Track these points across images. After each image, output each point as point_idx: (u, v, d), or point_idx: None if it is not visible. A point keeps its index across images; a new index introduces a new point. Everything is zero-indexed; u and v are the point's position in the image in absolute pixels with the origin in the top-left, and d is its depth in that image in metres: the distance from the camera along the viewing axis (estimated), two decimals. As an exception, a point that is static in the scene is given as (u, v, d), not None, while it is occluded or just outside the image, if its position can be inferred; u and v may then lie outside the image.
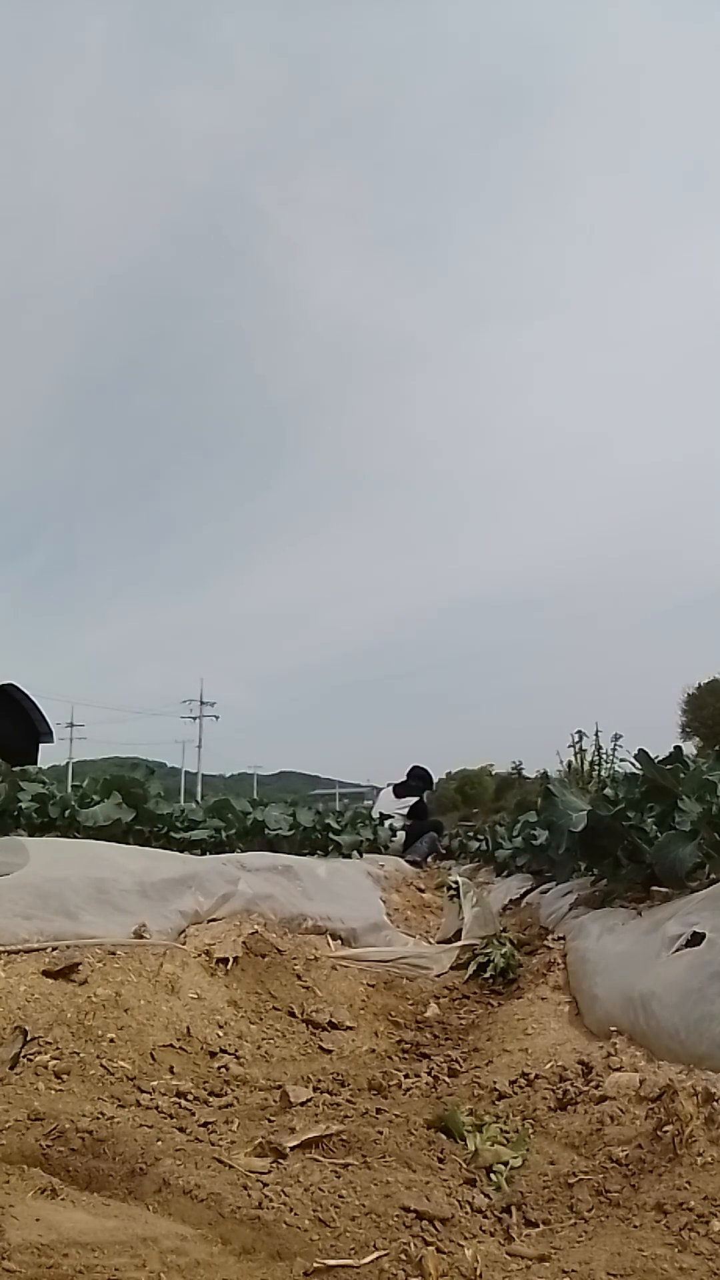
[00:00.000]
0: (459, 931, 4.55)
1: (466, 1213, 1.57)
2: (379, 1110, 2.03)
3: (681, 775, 3.57)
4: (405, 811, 10.81)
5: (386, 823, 10.60)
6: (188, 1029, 2.62)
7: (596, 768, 9.33)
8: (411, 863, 9.64)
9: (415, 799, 10.98)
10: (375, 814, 10.68)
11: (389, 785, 11.40)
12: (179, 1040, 2.55)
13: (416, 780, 11.25)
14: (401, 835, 10.61)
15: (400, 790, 11.14)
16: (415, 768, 11.66)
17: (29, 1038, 2.23)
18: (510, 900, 6.30)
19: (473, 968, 3.96)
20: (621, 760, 8.10)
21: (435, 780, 12.65)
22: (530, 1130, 1.98)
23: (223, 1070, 2.44)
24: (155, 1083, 2.20)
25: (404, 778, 11.44)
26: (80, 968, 2.62)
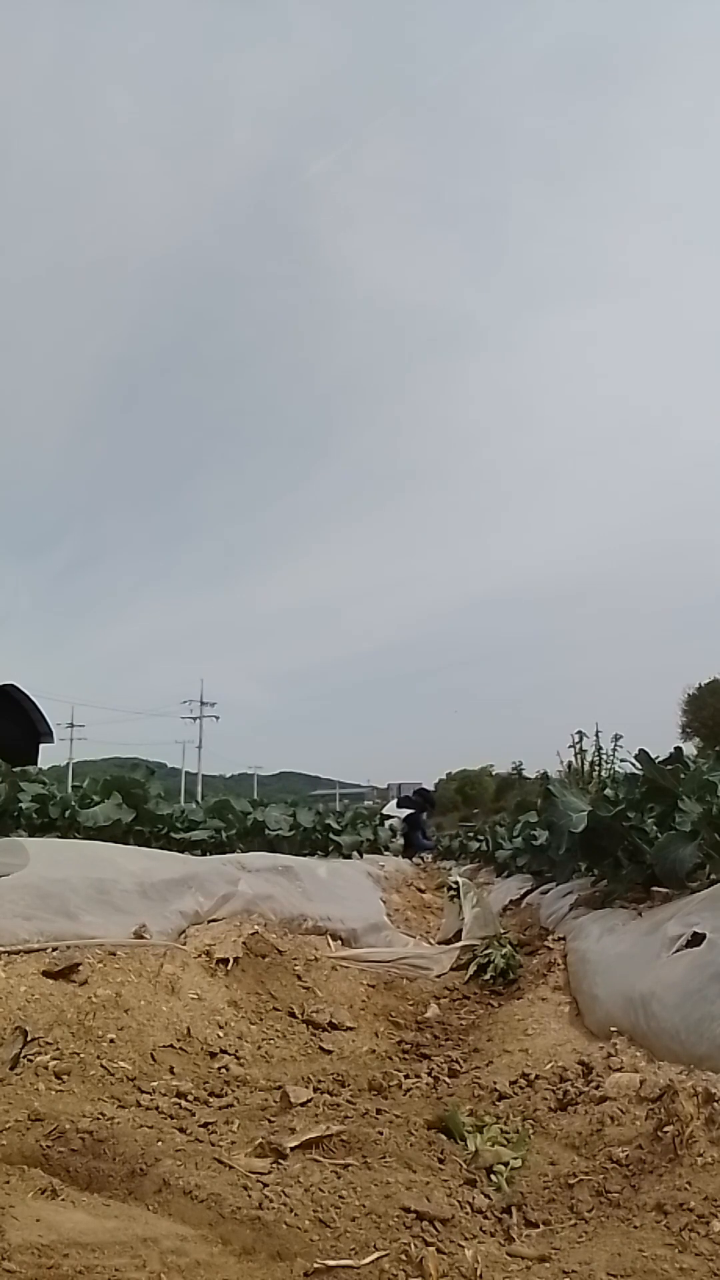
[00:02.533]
0: (459, 932, 4.55)
1: (467, 1213, 1.57)
2: (379, 1111, 2.03)
3: (682, 776, 3.57)
4: (404, 817, 13.88)
5: (387, 823, 11.66)
6: (188, 1029, 2.62)
7: (597, 768, 9.34)
8: (408, 857, 11.88)
9: (413, 811, 14.34)
10: (386, 812, 13.74)
11: (397, 799, 15.60)
12: (179, 1041, 2.55)
13: (419, 797, 15.25)
14: (400, 840, 13.03)
15: (403, 803, 14.95)
16: (420, 789, 16.66)
17: (29, 1038, 2.23)
18: (510, 901, 6.30)
19: (473, 968, 3.97)
20: (622, 761, 8.10)
21: (434, 802, 17.30)
22: (530, 1131, 1.98)
23: (223, 1071, 2.44)
24: (155, 1083, 2.20)
25: (409, 792, 15.72)
26: (80, 968, 2.62)
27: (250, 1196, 1.49)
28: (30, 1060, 2.15)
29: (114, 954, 2.84)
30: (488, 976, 3.86)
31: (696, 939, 2.40)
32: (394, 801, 15.58)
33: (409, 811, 14.29)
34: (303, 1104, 2.03)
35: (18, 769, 6.83)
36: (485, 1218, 1.59)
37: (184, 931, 3.38)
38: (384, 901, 6.00)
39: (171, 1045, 2.50)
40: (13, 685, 18.85)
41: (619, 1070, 2.19)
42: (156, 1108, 1.97)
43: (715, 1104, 1.72)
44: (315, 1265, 1.32)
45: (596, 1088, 2.14)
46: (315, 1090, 2.17)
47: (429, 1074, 2.54)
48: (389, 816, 13.59)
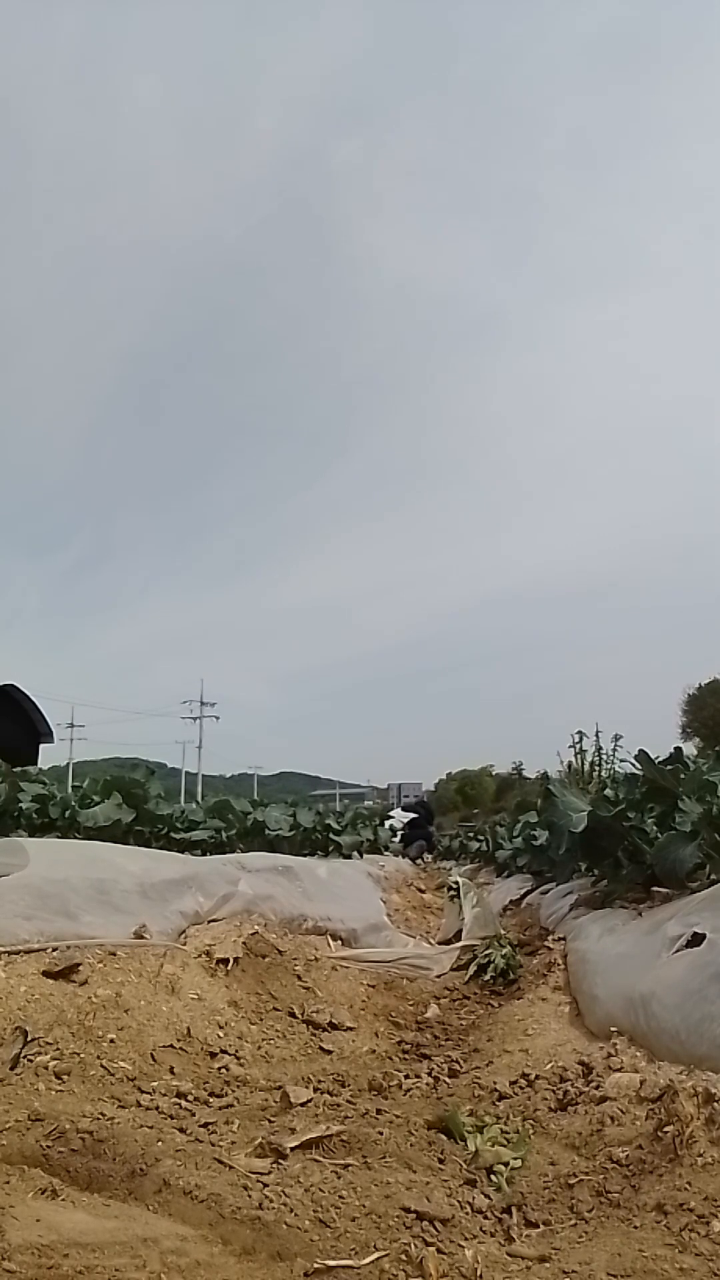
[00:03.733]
0: (459, 932, 4.56)
1: (467, 1213, 1.57)
2: (379, 1111, 2.03)
3: (682, 776, 3.57)
4: (407, 822, 15.08)
5: (388, 823, 12.00)
6: (188, 1029, 2.62)
7: (597, 768, 9.34)
8: (408, 857, 12.64)
9: (415, 815, 15.56)
10: (392, 817, 14.82)
11: (401, 807, 17.42)
12: (179, 1041, 2.55)
13: (420, 808, 16.55)
14: (399, 841, 13.86)
15: (405, 808, 16.75)
16: (422, 801, 18.85)
17: (29, 1038, 2.23)
18: (511, 901, 6.31)
19: (473, 968, 3.96)
20: (622, 761, 8.10)
21: (433, 814, 18.20)
22: (531, 1131, 1.98)
23: (223, 1071, 2.45)
24: (155, 1083, 2.20)
25: (410, 796, 18.13)
26: (80, 968, 2.62)
27: (250, 1196, 1.49)
28: (30, 1060, 2.15)
29: (114, 954, 2.84)
30: (488, 976, 3.86)
31: (696, 939, 2.40)
32: (398, 809, 16.88)
33: (413, 815, 15.42)
34: (303, 1104, 2.03)
35: (18, 769, 6.83)
36: (485, 1218, 1.59)
37: (184, 931, 3.37)
38: (384, 901, 6.00)
39: (171, 1045, 2.50)
40: (13, 685, 18.87)
41: (619, 1070, 2.19)
42: (156, 1108, 1.97)
43: (715, 1104, 1.72)
44: (315, 1265, 1.32)
45: (596, 1088, 2.14)
46: (315, 1090, 2.18)
47: (429, 1074, 2.54)
48: (389, 817, 14.40)
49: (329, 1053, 2.84)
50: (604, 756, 9.39)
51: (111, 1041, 2.37)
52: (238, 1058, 2.58)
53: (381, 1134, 1.83)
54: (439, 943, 4.77)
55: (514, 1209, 1.63)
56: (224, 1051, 2.60)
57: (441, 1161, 1.78)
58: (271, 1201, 1.48)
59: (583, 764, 9.67)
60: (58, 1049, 2.24)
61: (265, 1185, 1.54)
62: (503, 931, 4.48)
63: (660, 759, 3.80)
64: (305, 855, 6.60)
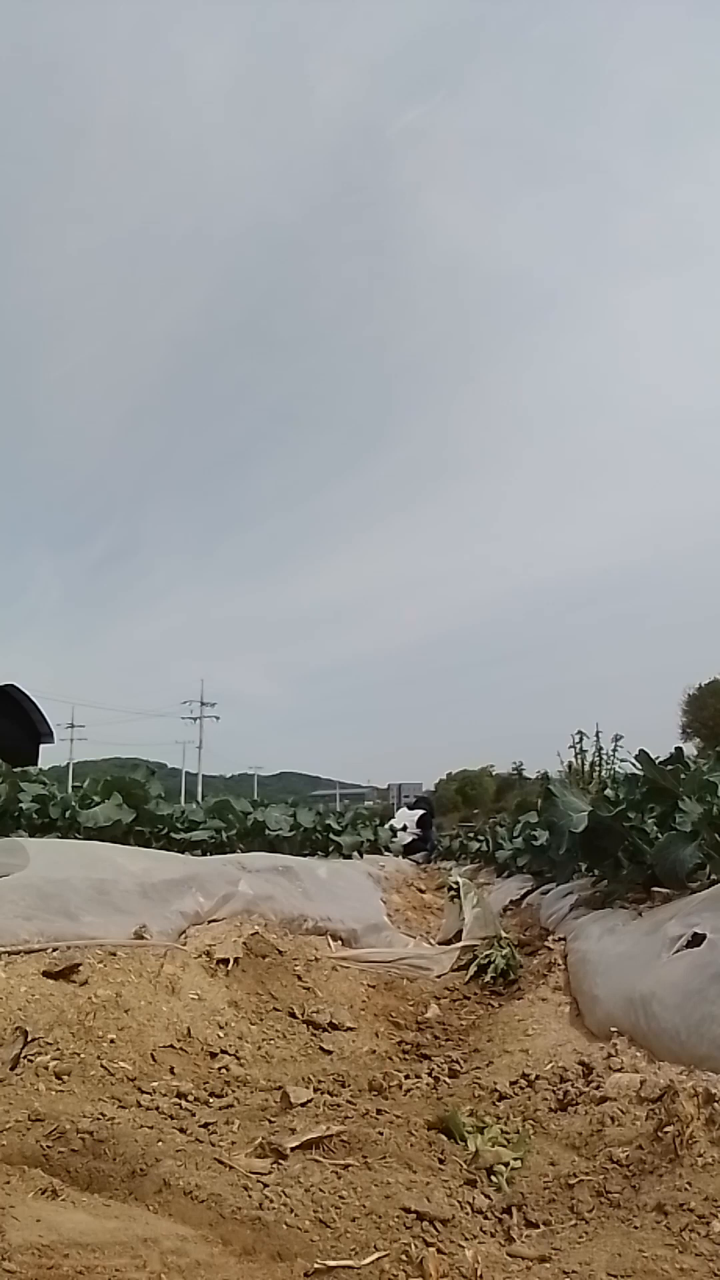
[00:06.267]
0: (459, 932, 4.55)
1: (467, 1213, 1.57)
2: (380, 1111, 2.03)
3: (682, 776, 3.57)
4: (415, 821, 15.00)
5: (388, 823, 11.99)
6: (188, 1030, 2.62)
7: (597, 768, 9.35)
8: (413, 860, 12.63)
9: (422, 813, 15.62)
10: (394, 822, 14.71)
11: (408, 805, 17.54)
12: (179, 1041, 2.55)
13: (423, 805, 16.78)
14: (404, 839, 13.79)
15: (410, 806, 16.87)
16: (422, 798, 19.08)
17: (30, 1038, 2.23)
18: (511, 901, 6.30)
19: (473, 969, 3.96)
20: (622, 761, 8.11)
21: (434, 809, 18.35)
22: (531, 1131, 1.98)
23: (223, 1071, 2.45)
24: (156, 1083, 2.20)
25: (409, 795, 18.96)
26: (81, 968, 2.62)
27: (250, 1197, 1.49)
28: (31, 1060, 2.15)
29: (114, 954, 2.84)
30: (488, 977, 3.85)
31: (697, 939, 2.40)
32: (403, 809, 16.87)
33: (421, 813, 15.56)
34: (303, 1104, 2.03)
35: (18, 769, 6.83)
36: (485, 1218, 1.59)
37: (184, 932, 3.38)
38: (384, 902, 6.01)
39: (172, 1045, 2.50)
40: (13, 685, 18.88)
41: (619, 1070, 2.19)
42: (157, 1108, 1.97)
43: (715, 1104, 1.72)
44: (315, 1265, 1.32)
45: (597, 1088, 2.14)
46: (315, 1090, 2.17)
47: (429, 1074, 2.53)
48: (393, 816, 14.49)
49: (329, 1053, 2.84)
50: (604, 757, 9.43)
51: (112, 1042, 2.38)
52: (238, 1058, 2.58)
53: (382, 1134, 1.83)
54: (439, 943, 4.77)
55: (514, 1209, 1.63)
56: (224, 1052, 2.60)
57: (442, 1162, 1.78)
58: (272, 1202, 1.48)
59: (583, 764, 9.70)
60: (58, 1049, 2.24)
61: (265, 1185, 1.54)
62: (503, 932, 4.48)
63: (660, 759, 3.80)
64: (305, 855, 6.61)
